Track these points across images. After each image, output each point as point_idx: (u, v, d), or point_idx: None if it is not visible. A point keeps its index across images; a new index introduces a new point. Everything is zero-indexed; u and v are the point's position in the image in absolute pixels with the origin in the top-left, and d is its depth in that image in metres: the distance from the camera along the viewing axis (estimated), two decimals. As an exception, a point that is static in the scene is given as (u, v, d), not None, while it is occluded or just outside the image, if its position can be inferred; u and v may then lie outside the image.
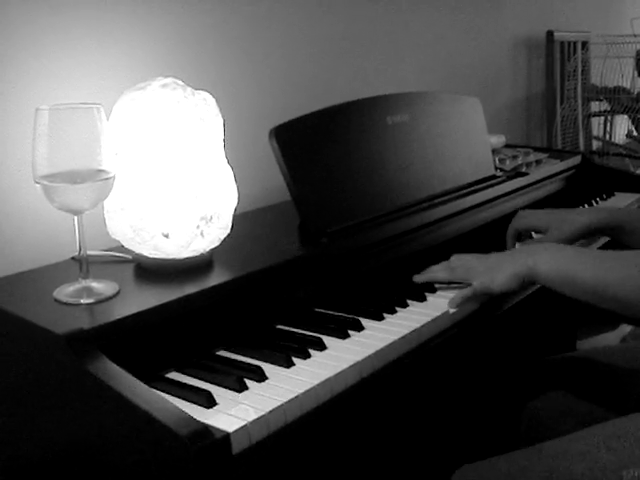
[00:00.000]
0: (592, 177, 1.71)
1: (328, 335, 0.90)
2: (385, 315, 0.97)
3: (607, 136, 2.95)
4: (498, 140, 1.72)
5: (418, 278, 1.06)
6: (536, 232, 1.28)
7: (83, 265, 0.87)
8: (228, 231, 0.99)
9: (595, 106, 2.88)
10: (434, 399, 1.27)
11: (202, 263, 0.97)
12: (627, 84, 2.77)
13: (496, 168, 1.50)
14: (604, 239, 1.33)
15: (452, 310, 0.98)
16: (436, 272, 1.05)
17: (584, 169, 1.74)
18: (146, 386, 0.70)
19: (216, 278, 0.93)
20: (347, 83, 1.64)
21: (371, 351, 0.86)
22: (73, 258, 0.98)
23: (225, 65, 1.36)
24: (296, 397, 0.75)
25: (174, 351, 0.84)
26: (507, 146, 1.76)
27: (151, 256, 0.95)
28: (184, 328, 0.85)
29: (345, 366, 0.82)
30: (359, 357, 0.84)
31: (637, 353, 1.11)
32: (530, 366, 1.20)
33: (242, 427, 0.69)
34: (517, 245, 1.25)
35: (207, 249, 0.97)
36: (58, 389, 0.78)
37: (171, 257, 0.94)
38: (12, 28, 1.03)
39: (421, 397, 1.21)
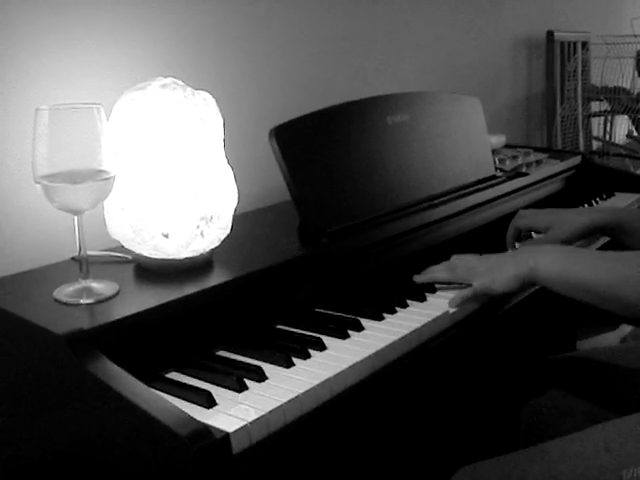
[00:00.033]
0: (592, 177, 1.71)
1: (328, 335, 0.90)
2: (385, 315, 0.97)
3: (607, 136, 2.95)
4: (498, 140, 1.72)
5: (418, 278, 1.06)
6: (536, 232, 1.29)
7: (83, 265, 0.87)
8: (228, 231, 0.99)
9: (595, 106, 2.88)
10: (434, 399, 1.27)
11: (202, 263, 0.97)
12: (627, 84, 2.77)
13: (496, 168, 1.50)
14: (604, 239, 1.33)
15: (452, 310, 0.98)
16: (436, 272, 1.05)
17: (584, 169, 1.74)
18: (146, 386, 0.70)
19: (216, 278, 0.93)
20: (347, 83, 1.64)
21: (371, 351, 0.86)
22: (73, 258, 0.98)
23: (225, 65, 1.36)
24: (296, 397, 0.75)
25: (174, 351, 0.84)
26: (507, 146, 1.76)
27: (151, 256, 0.95)
28: (184, 328, 0.85)
29: (345, 366, 0.82)
30: (359, 357, 0.84)
31: (637, 353, 1.11)
32: (530, 366, 1.20)
33: (242, 427, 0.69)
34: (517, 245, 1.25)
35: (207, 249, 0.97)
36: (58, 389, 0.78)
37: (171, 257, 0.94)
38: (12, 28, 1.03)
39: (421, 397, 1.21)
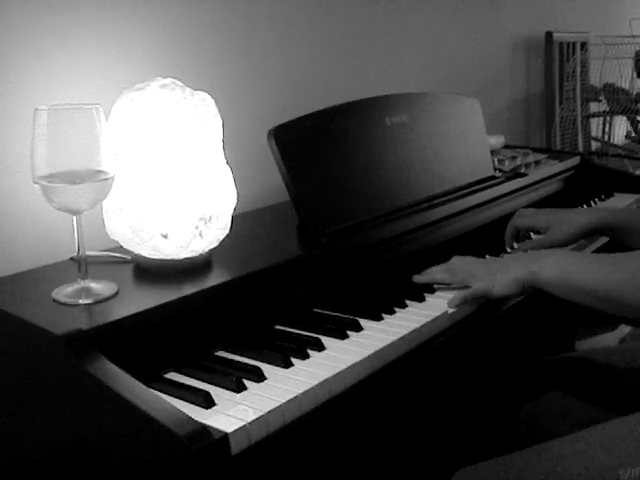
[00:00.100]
0: (591, 178, 1.71)
1: (327, 335, 0.90)
2: (384, 315, 0.97)
3: (606, 137, 2.95)
4: (497, 141, 1.72)
5: (418, 279, 1.06)
6: (535, 232, 1.29)
7: (82, 265, 0.87)
8: (227, 231, 0.99)
9: (594, 107, 2.88)
10: (433, 400, 1.27)
11: (201, 263, 0.97)
12: (626, 85, 2.77)
13: (495, 169, 1.50)
14: (603, 239, 1.33)
15: (451, 310, 0.98)
16: (436, 273, 1.05)
17: (583, 170, 1.74)
18: (145, 386, 0.70)
19: (215, 278, 0.93)
20: (347, 83, 1.64)
21: (370, 352, 0.86)
22: (72, 258, 0.98)
23: (224, 65, 1.36)
24: (295, 397, 0.75)
25: (173, 351, 0.84)
26: (506, 147, 1.77)
27: (150, 256, 0.95)
28: (183, 328, 0.85)
29: (344, 367, 0.82)
30: (358, 358, 0.84)
31: (636, 353, 1.11)
32: (529, 367, 1.20)
33: (241, 427, 0.69)
34: (515, 245, 1.25)
35: (206, 249, 0.97)
36: (57, 389, 0.78)
37: (170, 257, 0.94)
38: (12, 28, 1.03)
39: (420, 398, 1.21)
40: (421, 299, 1.02)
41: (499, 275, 0.97)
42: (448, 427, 1.34)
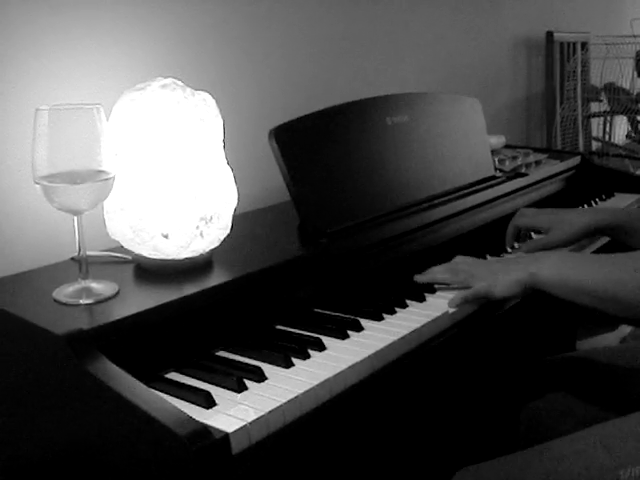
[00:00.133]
0: (592, 178, 1.71)
1: (327, 335, 0.90)
2: (384, 315, 0.97)
3: (607, 137, 2.95)
4: (498, 141, 1.72)
5: (419, 278, 1.06)
6: (536, 232, 1.29)
7: (83, 265, 0.87)
8: (228, 231, 0.99)
9: (595, 107, 2.88)
10: (433, 400, 1.27)
11: (202, 263, 0.97)
12: (627, 85, 2.77)
13: (496, 169, 1.50)
14: (604, 239, 1.33)
15: (452, 310, 0.98)
16: (438, 273, 1.05)
17: (584, 170, 1.74)
18: (145, 386, 0.70)
19: (216, 278, 0.93)
20: (347, 83, 1.64)
21: (370, 351, 0.86)
22: (73, 258, 0.98)
23: (225, 65, 1.36)
24: (295, 397, 0.75)
25: (173, 351, 0.84)
26: (507, 147, 1.76)
27: (151, 256, 0.95)
28: (183, 328, 0.85)
29: (344, 366, 0.82)
30: (358, 358, 0.84)
31: (637, 353, 1.11)
32: (530, 366, 1.20)
33: (241, 427, 0.69)
34: (516, 245, 1.25)
35: (207, 249, 0.97)
36: (58, 389, 0.78)
37: (171, 257, 0.94)
38: (12, 28, 1.03)
39: (421, 398, 1.21)
40: (422, 299, 1.02)
41: (500, 276, 0.98)
42: (449, 427, 1.34)
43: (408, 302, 1.01)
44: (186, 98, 0.92)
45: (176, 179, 0.91)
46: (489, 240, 1.26)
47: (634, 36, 2.68)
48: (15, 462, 0.92)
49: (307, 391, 0.77)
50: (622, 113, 2.81)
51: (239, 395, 0.76)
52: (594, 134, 2.93)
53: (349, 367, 0.82)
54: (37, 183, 0.82)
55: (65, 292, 0.87)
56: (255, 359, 0.85)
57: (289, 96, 1.48)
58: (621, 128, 2.97)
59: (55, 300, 0.86)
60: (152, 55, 1.22)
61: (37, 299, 0.87)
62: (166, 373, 0.83)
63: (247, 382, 0.78)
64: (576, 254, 1.01)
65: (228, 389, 0.77)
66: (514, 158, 1.62)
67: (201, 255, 0.96)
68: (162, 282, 0.92)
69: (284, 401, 0.74)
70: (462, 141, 1.40)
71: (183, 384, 0.79)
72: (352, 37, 1.66)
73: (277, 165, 1.07)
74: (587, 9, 2.94)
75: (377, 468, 1.20)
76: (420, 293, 1.03)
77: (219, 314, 0.89)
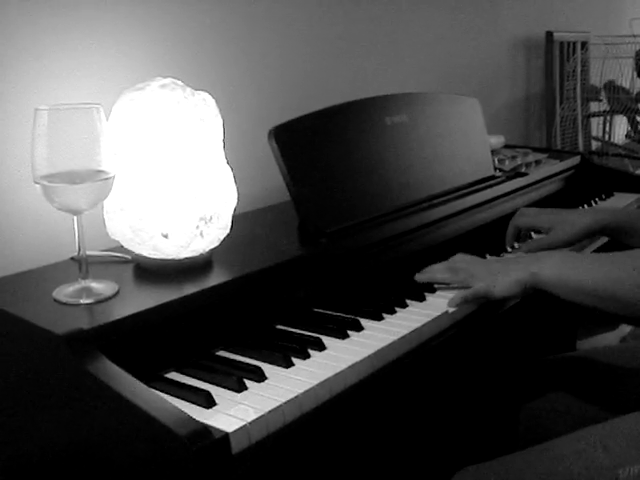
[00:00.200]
0: (591, 177, 1.71)
1: (327, 335, 0.90)
2: (384, 315, 0.97)
3: (606, 136, 2.95)
4: (497, 140, 1.72)
5: (419, 277, 1.06)
6: (536, 232, 1.29)
7: (82, 265, 0.87)
8: (227, 231, 0.99)
9: (594, 106, 2.88)
10: (433, 400, 1.27)
11: (201, 263, 0.97)
12: (626, 84, 2.77)
13: (495, 168, 1.50)
14: (604, 239, 1.33)
15: (451, 310, 0.98)
16: (437, 272, 1.05)
17: (583, 169, 1.74)
18: (145, 386, 0.70)
19: (215, 278, 0.93)
20: (346, 83, 1.64)
21: (370, 351, 0.86)
22: (72, 258, 0.98)
23: (224, 65, 1.36)
24: (295, 397, 0.75)
25: (173, 351, 0.84)
26: (506, 146, 1.77)
27: (150, 256, 0.95)
28: (183, 328, 0.85)
29: (344, 366, 0.82)
30: (358, 357, 0.84)
31: (637, 353, 1.11)
32: (529, 366, 1.20)
33: (241, 427, 0.69)
34: (516, 245, 1.25)
35: (206, 249, 0.97)
36: (58, 389, 0.78)
37: (170, 257, 0.94)
38: (12, 29, 1.03)
39: (420, 398, 1.21)
40: (422, 299, 1.02)
41: (500, 276, 0.98)
42: (448, 427, 1.34)
43: (408, 302, 1.01)
44: (186, 98, 0.92)
45: (176, 179, 0.91)
46: (489, 240, 1.26)
47: (634, 36, 2.68)
48: (15, 462, 0.92)
49: (307, 391, 0.77)
50: (622, 113, 2.81)
51: (239, 395, 0.76)
52: (594, 134, 2.93)
53: (349, 367, 0.82)
54: (37, 183, 0.82)
55: (65, 292, 0.87)
56: (255, 359, 0.85)
57: (289, 96, 1.48)
58: (621, 128, 2.97)
59: (55, 300, 0.86)
60: (151, 55, 1.22)
61: (37, 299, 0.87)
62: (166, 373, 0.83)
63: (247, 382, 0.78)
64: (576, 254, 1.01)
65: (228, 389, 0.77)
66: (514, 158, 1.62)
67: (201, 255, 0.96)
68: (162, 282, 0.92)
69: (284, 401, 0.74)
70: (461, 141, 1.40)
71: (183, 384, 0.79)
72: (351, 37, 1.66)
73: (277, 165, 1.07)
74: (587, 9, 2.94)
75: (377, 468, 1.20)
76: (420, 293, 1.03)
77: (219, 314, 0.89)
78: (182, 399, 0.75)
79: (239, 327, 0.92)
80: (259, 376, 0.79)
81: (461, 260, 1.05)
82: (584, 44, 2.71)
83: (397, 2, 1.80)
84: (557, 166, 1.66)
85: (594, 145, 2.93)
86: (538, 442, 0.86)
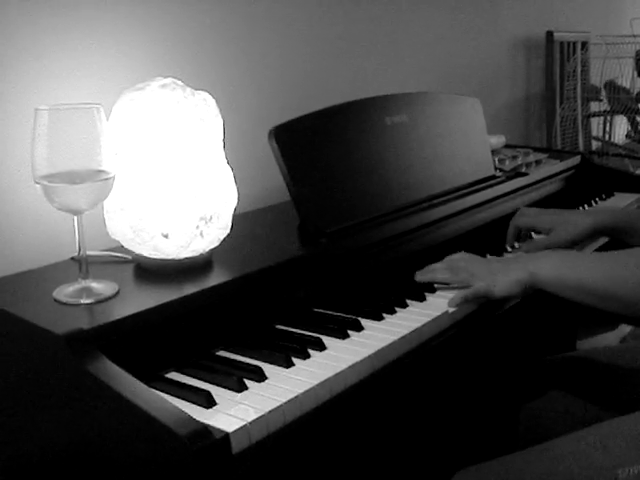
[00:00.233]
0: (592, 177, 1.71)
1: (327, 335, 0.90)
2: (384, 315, 0.97)
3: (606, 136, 2.95)
4: (498, 140, 1.72)
5: (419, 277, 1.06)
6: (536, 232, 1.29)
7: (83, 265, 0.87)
8: (228, 231, 0.99)
9: (595, 106, 2.88)
10: (433, 400, 1.27)
11: (202, 263, 0.97)
12: (627, 84, 2.77)
13: (496, 168, 1.50)
14: (604, 239, 1.33)
15: (451, 310, 0.98)
16: (437, 272, 1.05)
17: (584, 169, 1.74)
18: (146, 386, 0.70)
19: (216, 278, 0.93)
20: (346, 83, 1.64)
21: (370, 351, 0.86)
22: (73, 258, 0.98)
23: (224, 65, 1.36)
24: (296, 397, 0.75)
25: (174, 351, 0.84)
26: (507, 146, 1.77)
27: (151, 256, 0.95)
28: (184, 328, 0.85)
29: (344, 366, 0.82)
30: (358, 357, 0.84)
31: (637, 353, 1.11)
32: (530, 366, 1.20)
33: (242, 427, 0.69)
34: (516, 245, 1.25)
35: (207, 249, 0.97)
36: (58, 389, 0.78)
37: (171, 257, 0.94)
38: (12, 29, 1.03)
39: (420, 398, 1.21)
40: (422, 298, 1.02)
41: (500, 276, 0.98)
42: (448, 427, 1.34)
43: (408, 302, 1.01)
44: (186, 98, 0.92)
45: (176, 179, 0.91)
46: (489, 240, 1.26)
47: (634, 36, 2.68)
48: (15, 462, 0.92)
49: (307, 391, 0.77)
50: (622, 113, 2.81)
51: (239, 395, 0.76)
52: (594, 134, 2.93)
53: (349, 367, 0.82)
54: (37, 183, 0.82)
55: (65, 292, 0.87)
56: (255, 359, 0.85)
57: (289, 96, 1.48)
58: (621, 128, 2.97)
59: (55, 300, 0.86)
60: (151, 55, 1.22)
61: (37, 299, 0.87)
62: (166, 373, 0.83)
63: (247, 382, 0.78)
64: (576, 252, 1.01)
65: (228, 389, 0.77)
66: (514, 158, 1.62)
67: (201, 255, 0.96)
68: (162, 282, 0.92)
69: (284, 401, 0.74)
70: (462, 141, 1.40)
71: (183, 384, 0.79)
72: (351, 37, 1.66)
73: (277, 165, 1.07)
74: (587, 9, 2.94)
75: (377, 468, 1.20)
76: (420, 293, 1.03)
77: (219, 314, 0.89)
78: (182, 399, 0.75)
79: (239, 327, 0.92)
80: (259, 376, 0.79)
81: (461, 259, 1.05)
82: (584, 44, 2.71)
83: (397, 2, 1.80)
84: (557, 166, 1.66)
85: (594, 145, 2.94)
86: (538, 442, 0.86)
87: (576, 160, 1.73)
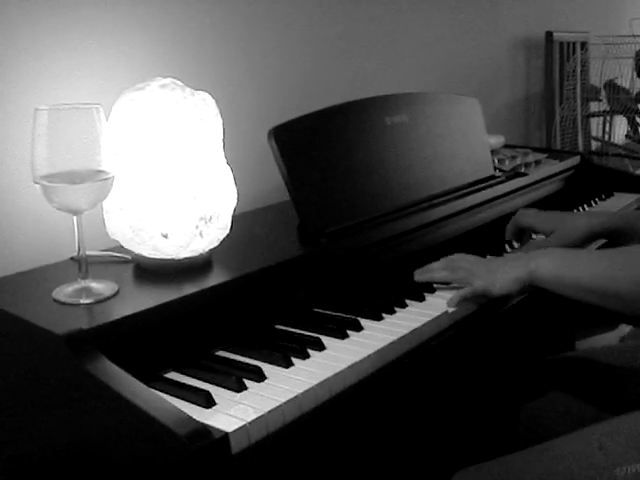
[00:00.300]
0: (591, 177, 1.71)
1: (327, 335, 0.90)
2: (384, 315, 0.97)
3: (606, 136, 2.95)
4: (497, 140, 1.72)
5: (418, 276, 1.06)
6: (536, 233, 1.29)
7: (82, 265, 0.87)
8: (227, 231, 0.99)
9: (594, 106, 2.88)
10: (433, 400, 1.27)
11: (201, 263, 0.97)
12: (626, 84, 2.77)
13: (495, 168, 1.50)
14: (601, 241, 1.33)
15: (451, 310, 0.99)
16: (436, 271, 1.05)
17: (583, 169, 1.74)
18: (145, 386, 0.70)
19: (215, 278, 0.93)
20: (346, 83, 1.64)
21: (370, 351, 0.86)
22: (72, 258, 0.98)
23: (224, 65, 1.36)
24: (295, 397, 0.75)
25: (173, 351, 0.84)
26: (506, 146, 1.77)
27: (150, 256, 0.95)
28: (183, 328, 0.85)
29: (344, 366, 0.82)
30: (358, 357, 0.84)
31: (636, 353, 1.11)
32: (529, 366, 1.20)
33: (241, 427, 0.69)
34: (516, 245, 1.25)
35: (206, 249, 0.97)
36: (57, 389, 0.78)
37: (170, 257, 0.94)
38: (12, 29, 1.03)
39: (420, 398, 1.21)
40: (421, 299, 1.02)
41: (499, 274, 0.98)
42: (448, 427, 1.34)
43: (407, 302, 1.01)
44: (185, 98, 0.92)
45: (175, 179, 0.91)
46: (489, 240, 1.27)
47: (633, 36, 2.68)
48: (15, 462, 0.92)
49: (306, 391, 0.77)
50: (621, 113, 2.81)
51: (239, 395, 0.76)
52: (593, 134, 2.93)
53: (348, 367, 0.82)
54: (37, 183, 0.82)
55: (65, 292, 0.87)
56: (255, 359, 0.85)
57: (288, 96, 1.48)
58: (620, 128, 2.97)
59: (55, 300, 0.86)
60: (151, 55, 1.22)
61: (37, 299, 0.87)
62: (166, 373, 0.83)
63: (247, 382, 0.78)
64: (575, 250, 1.01)
65: (228, 389, 0.77)
66: (513, 158, 1.62)
67: (200, 255, 0.97)
68: (162, 282, 0.92)
69: (283, 401, 0.74)
70: (461, 141, 1.40)
71: (183, 384, 0.79)
72: (351, 37, 1.66)
73: (276, 165, 1.07)
74: (586, 9, 2.94)
75: (376, 468, 1.20)
76: (419, 293, 1.03)
77: (219, 314, 0.89)
78: (182, 399, 0.75)
79: (239, 327, 0.92)
80: (259, 376, 0.79)
81: (459, 259, 1.05)
82: (584, 44, 2.71)
83: (397, 2, 1.80)
84: (557, 166, 1.66)
85: (594, 145, 2.94)
86: (538, 442, 0.86)
87: (575, 160, 1.73)
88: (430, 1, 1.93)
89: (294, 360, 0.84)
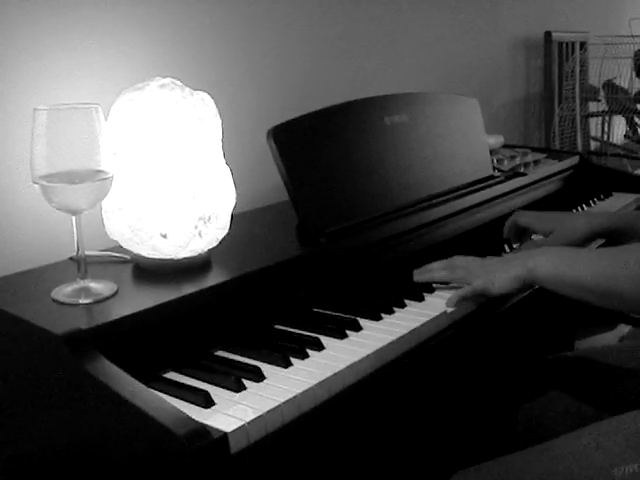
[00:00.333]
0: (590, 177, 1.72)
1: (326, 335, 0.90)
2: (383, 315, 0.97)
3: (605, 136, 2.95)
4: (496, 140, 1.72)
5: (417, 276, 1.06)
6: (535, 233, 1.29)
7: (81, 265, 0.87)
8: (226, 231, 0.99)
9: (593, 106, 2.88)
10: (432, 400, 1.27)
11: (200, 263, 0.97)
12: (625, 84, 2.77)
13: (494, 168, 1.50)
14: (600, 241, 1.33)
15: (450, 309, 0.99)
16: (435, 271, 1.05)
17: (582, 169, 1.74)
18: (144, 386, 0.70)
19: (214, 278, 0.93)
20: (346, 83, 1.64)
21: (369, 351, 0.86)
22: (71, 258, 0.98)
23: (223, 65, 1.36)
24: (294, 397, 0.75)
25: (172, 351, 0.84)
26: (505, 146, 1.77)
27: (149, 256, 0.95)
28: (182, 328, 0.85)
29: (343, 366, 0.82)
30: (357, 357, 0.84)
31: (635, 353, 1.11)
32: (528, 366, 1.20)
33: (240, 427, 0.69)
34: (515, 245, 1.25)
35: (205, 249, 0.97)
36: (56, 389, 0.78)
37: (169, 257, 0.94)
38: (12, 29, 1.03)
39: (419, 398, 1.21)
40: (420, 299, 1.02)
41: (498, 273, 0.98)
42: (447, 427, 1.34)
43: (407, 302, 1.01)
44: (184, 98, 0.92)
45: (174, 179, 0.91)
46: (488, 240, 1.27)
47: (633, 36, 2.68)
48: (15, 462, 0.92)
49: (306, 391, 0.77)
50: (620, 113, 2.81)
51: (238, 395, 0.76)
52: (592, 134, 2.93)
53: (347, 367, 0.82)
54: (36, 183, 0.82)
55: (64, 292, 0.87)
56: (254, 359, 0.85)
57: (288, 96, 1.48)
58: (619, 128, 2.98)
59: (54, 300, 0.86)
60: (151, 55, 1.22)
61: (36, 299, 0.87)
62: (165, 373, 0.83)
63: (246, 382, 0.78)
64: (575, 249, 1.01)
65: (227, 389, 0.77)
66: (512, 158, 1.62)
67: (199, 255, 0.97)
68: (161, 282, 0.92)
69: (283, 401, 0.74)
70: (461, 141, 1.40)
71: (182, 384, 0.79)
72: (351, 37, 1.66)
73: (275, 165, 1.07)
74: (586, 9, 2.94)
75: (376, 468, 1.20)
76: (419, 293, 1.03)
77: (218, 314, 0.89)
78: (181, 399, 0.75)
79: (238, 327, 0.92)
80: (258, 376, 0.79)
81: (459, 259, 1.05)
82: (583, 44, 2.71)
83: (397, 2, 1.80)
84: (556, 166, 1.66)
85: (593, 145, 2.94)
86: (537, 442, 0.86)
87: (574, 160, 1.74)
88: (430, 1, 1.93)
89: (293, 360, 0.84)
